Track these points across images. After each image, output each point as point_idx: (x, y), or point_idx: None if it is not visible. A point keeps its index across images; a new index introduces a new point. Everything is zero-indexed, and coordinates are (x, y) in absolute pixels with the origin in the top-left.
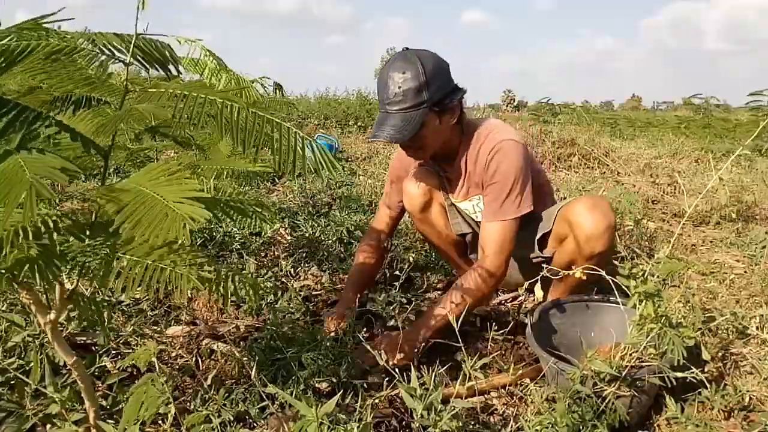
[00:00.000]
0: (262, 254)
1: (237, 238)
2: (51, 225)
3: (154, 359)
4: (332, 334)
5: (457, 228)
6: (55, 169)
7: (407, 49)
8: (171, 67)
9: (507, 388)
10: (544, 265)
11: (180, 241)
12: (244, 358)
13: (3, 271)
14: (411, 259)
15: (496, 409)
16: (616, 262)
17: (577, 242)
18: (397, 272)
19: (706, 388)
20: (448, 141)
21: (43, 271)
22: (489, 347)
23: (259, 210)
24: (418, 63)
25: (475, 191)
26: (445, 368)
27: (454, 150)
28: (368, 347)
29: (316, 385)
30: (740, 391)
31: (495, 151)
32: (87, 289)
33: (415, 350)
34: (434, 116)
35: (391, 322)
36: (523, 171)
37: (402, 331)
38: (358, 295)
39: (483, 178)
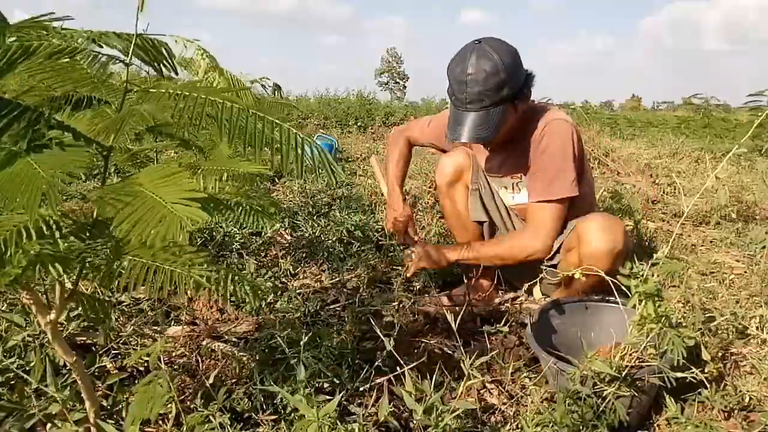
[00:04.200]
0: (262, 254)
1: (237, 238)
2: (54, 225)
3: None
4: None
5: (474, 214)
6: (67, 166)
7: (479, 42)
8: (168, 65)
9: (507, 388)
10: (543, 266)
11: (179, 242)
12: (244, 358)
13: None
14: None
15: (497, 409)
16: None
17: (579, 257)
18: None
19: (706, 388)
20: (515, 124)
21: (48, 271)
22: (488, 347)
23: (262, 210)
24: (497, 58)
25: (518, 170)
26: (445, 369)
27: (513, 129)
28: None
29: (317, 385)
30: (740, 391)
31: (546, 128)
32: (87, 289)
33: (441, 263)
34: (512, 108)
35: (390, 319)
36: (573, 152)
37: (439, 246)
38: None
39: (534, 154)
